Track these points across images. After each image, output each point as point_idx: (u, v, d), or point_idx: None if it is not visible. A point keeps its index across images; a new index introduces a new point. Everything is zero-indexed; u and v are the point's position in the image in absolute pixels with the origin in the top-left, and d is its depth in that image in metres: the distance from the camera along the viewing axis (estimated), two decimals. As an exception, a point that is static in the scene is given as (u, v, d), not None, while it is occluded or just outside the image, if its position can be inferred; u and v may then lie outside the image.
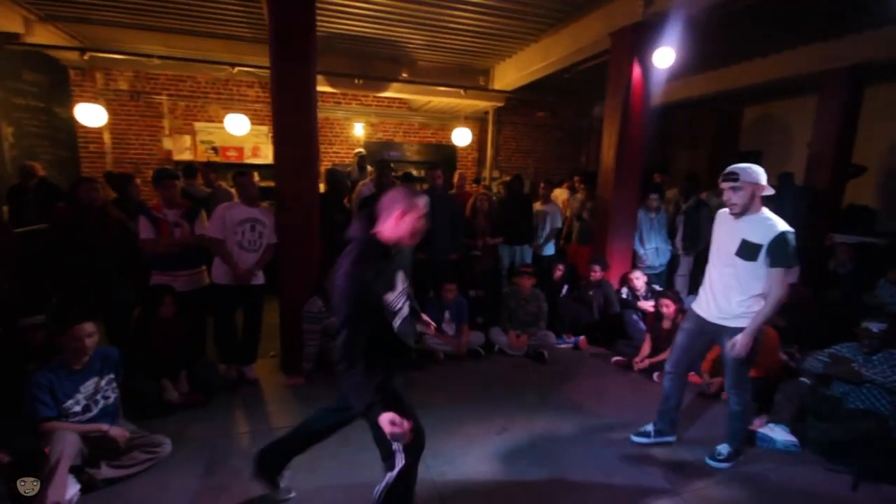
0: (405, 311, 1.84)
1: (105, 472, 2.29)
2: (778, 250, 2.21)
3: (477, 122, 8.58)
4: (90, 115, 5.23)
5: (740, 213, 2.31)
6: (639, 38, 4.23)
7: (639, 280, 4.46)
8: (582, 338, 4.34)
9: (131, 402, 2.74)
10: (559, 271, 4.80)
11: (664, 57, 4.09)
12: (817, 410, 2.81)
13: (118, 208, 3.60)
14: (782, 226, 2.24)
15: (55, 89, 6.00)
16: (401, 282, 1.81)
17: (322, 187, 4.51)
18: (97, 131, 6.46)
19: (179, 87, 6.97)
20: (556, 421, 3.03)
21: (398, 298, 1.78)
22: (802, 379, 3.07)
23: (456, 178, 5.86)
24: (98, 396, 2.43)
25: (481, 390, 3.44)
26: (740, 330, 2.36)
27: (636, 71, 4.31)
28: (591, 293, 4.48)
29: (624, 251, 4.76)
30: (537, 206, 5.30)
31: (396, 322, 1.77)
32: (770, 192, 2.31)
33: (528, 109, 8.69)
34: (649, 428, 2.81)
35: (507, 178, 6.07)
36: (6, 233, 3.37)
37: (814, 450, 2.71)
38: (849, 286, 4.42)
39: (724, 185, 2.32)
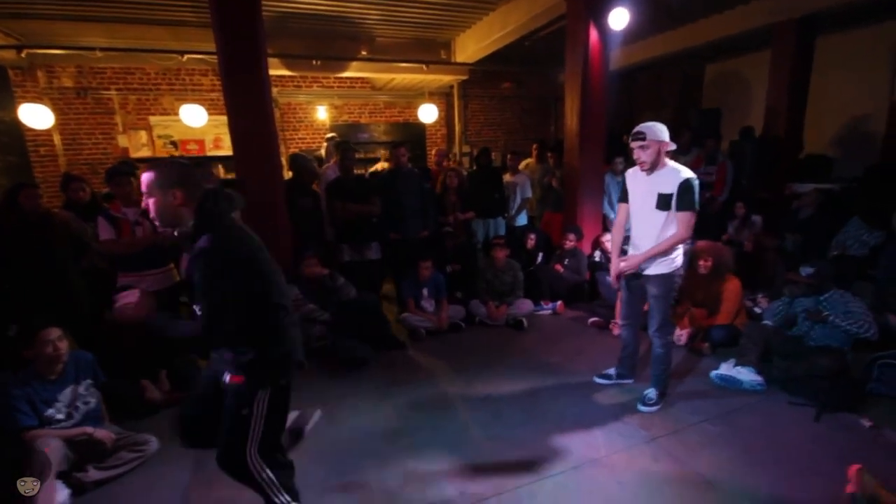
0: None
1: (93, 474, 2.27)
2: (684, 196, 2.43)
3: (443, 97, 8.47)
4: (35, 116, 4.95)
5: (650, 168, 2.50)
6: (593, 0, 4.21)
7: (609, 242, 4.55)
8: (559, 303, 4.45)
9: (113, 404, 2.71)
10: (531, 241, 4.86)
11: (619, 18, 4.10)
12: (780, 350, 2.98)
13: (76, 210, 3.48)
14: (686, 173, 2.46)
15: (-7, 92, 5.65)
16: None
17: (288, 174, 4.44)
18: (46, 133, 6.13)
19: (129, 80, 6.64)
20: (538, 381, 3.13)
21: None
22: (765, 322, 3.24)
23: (434, 156, 5.83)
24: (78, 403, 2.42)
25: (464, 361, 3.50)
26: (662, 276, 2.61)
27: (593, 34, 4.31)
28: (566, 261, 4.57)
29: (594, 215, 4.84)
30: (507, 177, 5.33)
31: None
32: (673, 147, 2.51)
33: (493, 81, 8.62)
34: (611, 371, 3.06)
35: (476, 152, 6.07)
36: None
37: (778, 387, 2.89)
38: (810, 230, 4.62)
39: (634, 144, 2.49)
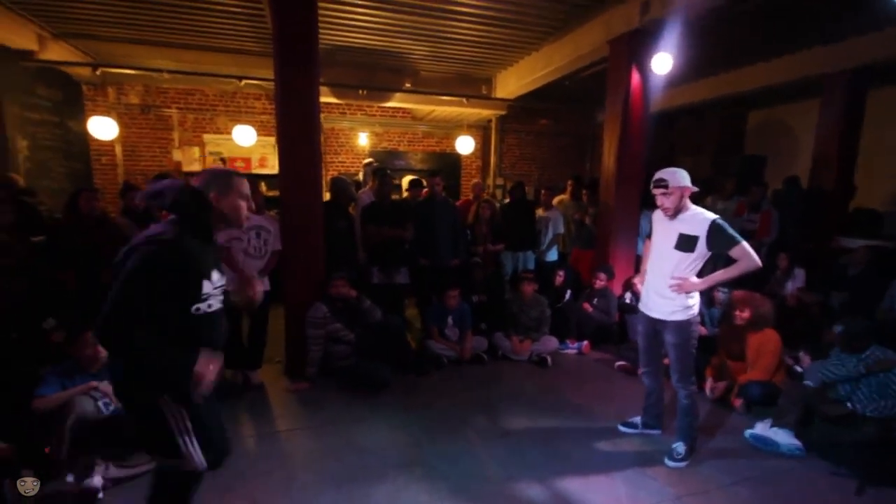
0: (212, 307, 1.61)
1: (112, 471, 2.34)
2: (721, 235, 2.39)
3: (480, 130, 8.65)
4: (102, 128, 5.38)
5: (674, 214, 2.50)
6: (636, 45, 4.28)
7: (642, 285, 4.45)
8: (585, 343, 4.34)
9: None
10: (560, 277, 4.81)
11: (662, 63, 4.13)
12: (823, 414, 2.79)
13: (132, 217, 3.71)
14: (711, 215, 2.45)
15: (68, 104, 6.17)
16: (217, 275, 1.63)
17: (326, 195, 4.60)
18: (109, 144, 6.61)
19: (189, 101, 7.13)
20: (560, 422, 3.04)
21: (211, 291, 1.59)
22: (807, 382, 3.06)
23: (472, 189, 5.94)
24: (109, 398, 2.53)
25: (485, 394, 3.45)
26: (677, 323, 2.53)
27: (635, 77, 4.35)
28: (595, 301, 4.48)
29: (627, 256, 4.76)
30: (539, 212, 5.34)
31: (201, 309, 1.56)
32: (695, 190, 2.50)
33: (530, 117, 8.75)
34: (637, 420, 2.95)
35: (510, 185, 6.13)
36: (23, 243, 3.47)
37: (818, 454, 2.69)
38: (858, 287, 4.38)
39: (656, 191, 2.49)
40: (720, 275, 2.52)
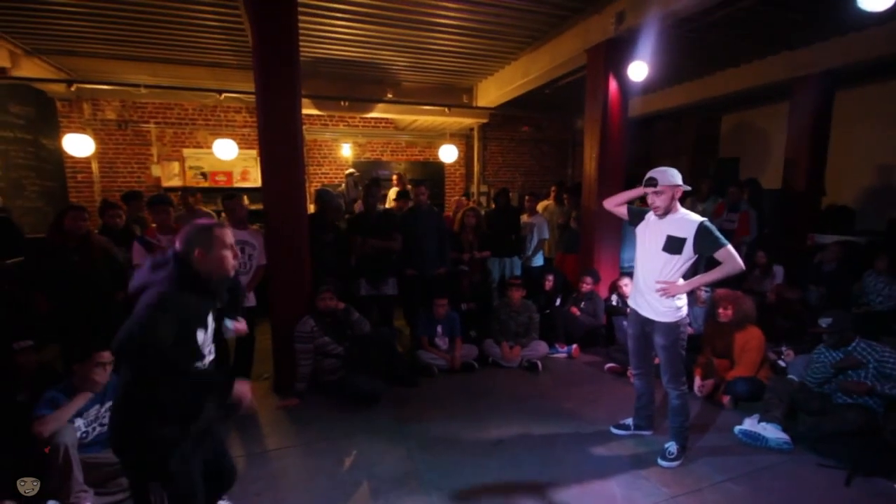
0: (210, 356, 1.71)
1: (92, 500, 2.26)
2: (707, 237, 2.40)
3: (463, 138, 8.73)
4: (78, 145, 5.26)
5: (663, 213, 2.51)
6: (613, 54, 4.38)
7: (627, 287, 4.52)
8: (575, 346, 4.38)
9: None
10: (549, 282, 4.85)
11: (638, 70, 4.24)
12: (807, 407, 2.86)
13: (111, 235, 3.62)
14: (699, 218, 2.47)
15: (42, 121, 6.03)
16: (212, 323, 1.70)
17: (311, 208, 4.57)
18: (85, 161, 6.47)
19: (167, 115, 7.03)
20: (552, 428, 3.04)
21: (206, 341, 1.68)
22: (791, 377, 3.13)
23: (454, 206, 5.99)
24: (96, 424, 2.46)
25: (477, 402, 3.44)
26: (667, 324, 2.55)
27: (612, 84, 4.46)
28: (582, 304, 4.53)
29: (611, 259, 4.83)
30: (524, 218, 5.39)
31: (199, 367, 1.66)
32: (687, 188, 2.52)
33: (512, 125, 8.88)
34: (629, 422, 2.98)
35: (494, 192, 6.18)
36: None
37: (806, 446, 2.75)
38: (833, 283, 4.52)
39: (647, 190, 2.51)
40: (705, 277, 2.55)
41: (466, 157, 8.83)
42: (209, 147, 6.30)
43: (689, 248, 2.45)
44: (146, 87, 5.71)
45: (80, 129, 6.33)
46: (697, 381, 3.42)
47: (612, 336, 4.40)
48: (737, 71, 6.26)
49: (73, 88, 5.59)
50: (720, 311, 3.42)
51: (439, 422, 3.15)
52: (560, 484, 2.46)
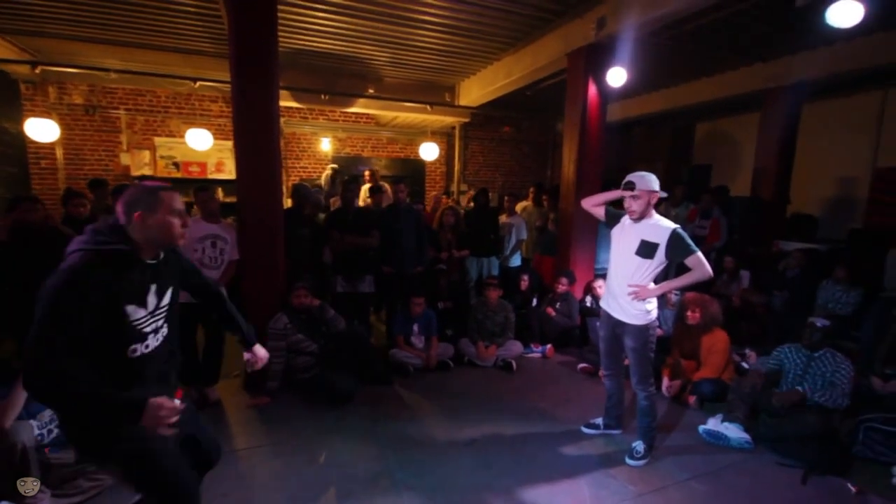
0: (159, 342, 1.53)
1: (47, 501, 2.17)
2: (679, 244, 2.47)
3: (444, 136, 8.72)
4: (41, 130, 5.02)
5: (639, 218, 2.56)
6: (593, 59, 4.45)
7: (601, 288, 4.60)
8: (549, 346, 4.43)
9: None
10: (524, 282, 4.90)
11: (617, 76, 4.31)
12: (768, 408, 2.97)
13: (74, 225, 3.47)
14: (672, 225, 2.53)
15: (4, 103, 5.74)
16: (155, 299, 1.51)
17: (288, 202, 4.49)
18: (49, 147, 6.19)
19: (138, 102, 6.78)
20: (525, 428, 3.07)
21: (152, 321, 1.50)
22: (753, 371, 3.25)
23: (432, 202, 5.96)
24: (52, 425, 2.37)
25: (451, 402, 3.44)
26: (637, 327, 2.61)
27: (592, 89, 4.52)
28: (557, 305, 4.59)
29: (587, 261, 4.91)
30: (503, 218, 5.42)
31: (138, 349, 1.47)
32: (663, 195, 2.59)
33: (493, 125, 8.92)
34: (598, 421, 3.04)
35: (473, 192, 6.21)
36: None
37: (766, 446, 2.86)
38: (796, 288, 4.71)
39: (625, 193, 2.56)
40: (674, 282, 2.62)
41: (447, 156, 8.83)
42: (182, 136, 6.10)
43: (661, 253, 2.51)
44: (116, 71, 5.50)
45: (45, 113, 6.04)
46: (665, 381, 3.51)
47: (586, 337, 4.48)
48: (711, 80, 6.44)
49: (37, 71, 5.33)
50: (689, 313, 3.52)
51: (413, 421, 3.14)
52: (531, 483, 2.49)
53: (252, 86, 3.33)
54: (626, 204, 2.57)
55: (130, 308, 1.43)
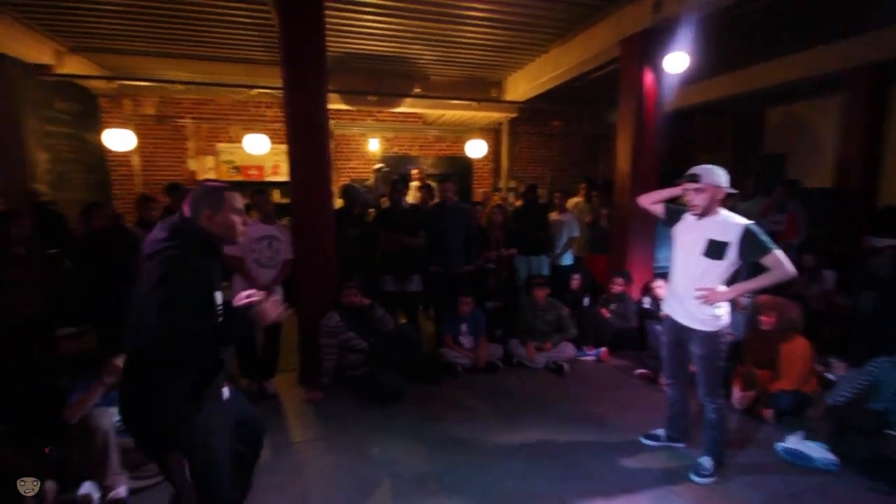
0: None
1: (127, 483, 2.33)
2: (755, 242, 2.23)
3: (491, 133, 8.60)
4: (119, 139, 5.46)
5: (702, 214, 2.35)
6: (649, 44, 4.18)
7: (661, 289, 4.33)
8: (604, 350, 4.23)
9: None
10: (576, 281, 4.71)
11: (676, 62, 4.03)
12: (858, 426, 2.65)
13: (146, 228, 3.73)
14: (743, 220, 2.29)
15: (86, 116, 6.28)
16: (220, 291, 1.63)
17: (339, 202, 4.58)
18: (126, 155, 6.72)
19: (202, 110, 7.21)
20: (578, 435, 2.94)
21: (220, 308, 1.62)
22: (841, 392, 2.92)
23: (481, 197, 5.88)
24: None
25: (500, 404, 3.37)
26: (706, 334, 2.39)
27: (648, 77, 4.26)
28: (612, 306, 4.38)
29: (644, 260, 4.65)
30: (553, 215, 5.25)
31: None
32: (732, 191, 2.36)
33: (542, 119, 8.67)
34: (659, 432, 2.83)
35: (523, 188, 6.07)
36: (40, 256, 3.51)
37: (855, 468, 2.55)
38: (889, 289, 4.20)
39: (689, 186, 2.35)
40: (750, 284, 2.34)
41: (495, 152, 8.70)
42: (241, 142, 6.42)
43: (732, 253, 2.28)
44: (182, 83, 5.85)
45: (122, 123, 6.55)
46: (736, 391, 3.23)
47: (644, 340, 4.23)
48: (784, 61, 5.88)
49: (114, 85, 5.80)
50: (762, 318, 3.22)
51: (461, 422, 3.10)
52: (586, 494, 2.37)
53: (302, 90, 3.42)
54: (688, 198, 2.36)
55: (217, 294, 1.56)
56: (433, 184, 6.25)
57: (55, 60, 5.16)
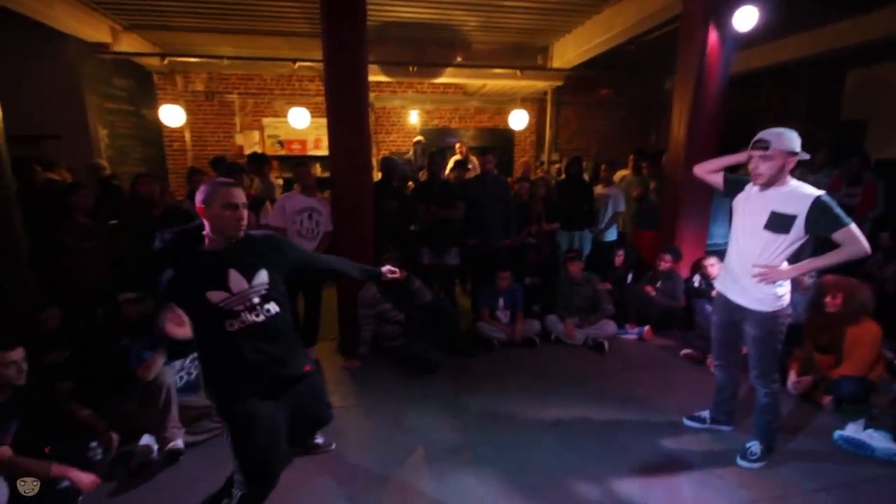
0: (258, 319, 1.65)
1: (183, 437, 2.51)
2: (827, 215, 2.01)
3: (535, 103, 8.29)
4: (172, 115, 5.70)
5: (766, 183, 2.13)
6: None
7: (713, 267, 4.08)
8: (647, 328, 4.08)
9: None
10: (619, 257, 4.52)
11: (746, 18, 3.64)
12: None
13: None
14: (814, 191, 2.07)
15: (141, 93, 6.59)
16: (241, 282, 1.63)
17: (377, 175, 4.59)
18: (179, 130, 7.03)
19: (248, 86, 7.39)
20: (616, 414, 2.87)
21: (241, 301, 1.62)
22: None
23: (520, 169, 5.71)
24: (183, 373, 2.72)
25: (536, 379, 3.34)
26: (763, 314, 2.21)
27: (712, 36, 3.89)
28: (658, 283, 4.18)
29: (697, 236, 4.37)
30: (598, 189, 5.02)
31: (234, 327, 1.61)
32: (805, 157, 2.12)
33: (589, 87, 8.24)
34: (705, 414, 2.71)
35: (565, 162, 5.82)
36: (102, 226, 3.76)
37: (924, 462, 2.35)
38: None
39: (755, 152, 2.11)
40: (817, 261, 2.12)
41: (538, 124, 8.40)
42: (285, 116, 6.53)
43: (799, 226, 2.06)
44: (229, 58, 5.98)
45: (174, 100, 6.84)
46: (793, 376, 3.02)
47: (692, 320, 4.03)
48: (867, 18, 5.20)
49: (165, 62, 6.01)
50: (827, 299, 2.96)
51: (496, 395, 3.10)
52: (623, 473, 2.32)
53: (343, 61, 3.38)
54: (753, 166, 2.13)
55: (212, 293, 1.59)
56: (474, 158, 6.14)
57: (111, 38, 5.41)
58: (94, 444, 2.30)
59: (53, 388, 2.53)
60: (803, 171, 4.87)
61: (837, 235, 2.01)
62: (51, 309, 2.93)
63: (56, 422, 2.32)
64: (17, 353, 2.06)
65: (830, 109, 7.63)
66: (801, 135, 2.13)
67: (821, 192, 2.05)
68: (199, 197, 1.62)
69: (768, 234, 2.14)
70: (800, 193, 2.08)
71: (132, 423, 2.48)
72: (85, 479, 2.05)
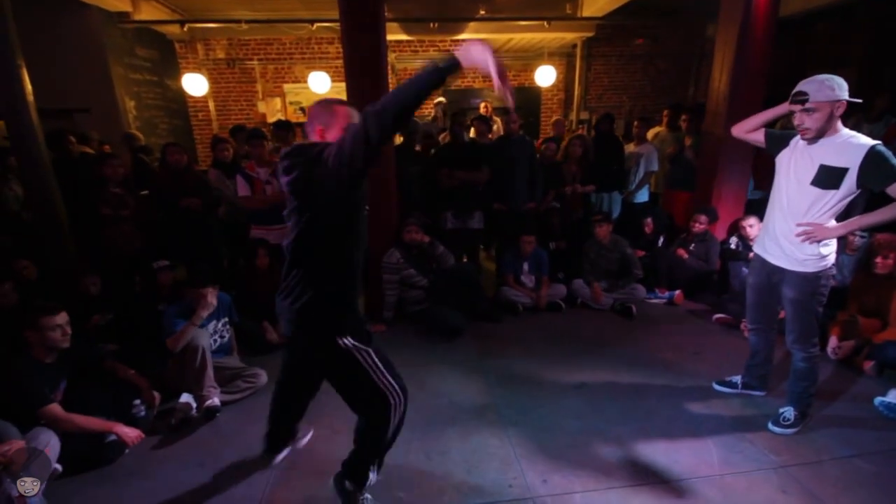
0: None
1: (218, 396, 2.64)
2: (880, 166, 1.85)
3: (563, 58, 7.86)
4: (195, 84, 5.73)
5: (814, 137, 1.97)
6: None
7: (753, 227, 3.87)
8: (678, 292, 3.95)
9: (241, 340, 3.10)
10: (649, 226, 4.33)
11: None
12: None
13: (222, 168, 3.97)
14: (869, 141, 1.90)
15: (165, 63, 6.62)
16: None
17: (398, 139, 4.50)
18: (203, 100, 7.07)
19: (268, 51, 7.29)
20: (643, 378, 2.83)
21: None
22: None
23: (554, 126, 5.48)
24: (216, 336, 2.83)
25: (561, 344, 3.31)
26: (803, 276, 2.10)
27: (760, -29, 3.52)
28: (692, 246, 4.01)
29: (736, 196, 4.13)
30: (630, 147, 4.78)
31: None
32: (856, 100, 1.92)
33: (623, 38, 7.71)
34: (736, 379, 2.63)
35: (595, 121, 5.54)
36: (135, 196, 3.88)
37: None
38: None
39: (794, 107, 1.94)
40: (868, 217, 1.96)
41: (566, 80, 7.99)
42: (306, 81, 6.45)
43: (850, 181, 1.90)
44: (247, 21, 5.88)
45: (196, 69, 6.84)
46: (833, 341, 2.88)
47: (726, 283, 3.87)
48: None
49: (185, 29, 5.97)
50: (878, 260, 2.77)
51: (520, 359, 3.10)
52: (648, 436, 2.30)
53: (359, 19, 3.25)
54: (797, 121, 1.96)
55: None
56: (497, 119, 5.93)
57: (132, 7, 5.39)
58: (137, 401, 2.45)
59: (100, 350, 2.69)
60: (858, 120, 4.47)
61: (892, 189, 1.84)
62: (92, 276, 3.09)
63: (103, 381, 2.47)
64: (62, 318, 2.17)
65: (892, 54, 6.89)
66: (856, 82, 1.92)
67: (876, 142, 1.87)
68: (313, 118, 1.59)
69: (816, 191, 1.99)
70: (852, 144, 1.90)
71: (172, 382, 2.62)
72: (130, 433, 2.19)
